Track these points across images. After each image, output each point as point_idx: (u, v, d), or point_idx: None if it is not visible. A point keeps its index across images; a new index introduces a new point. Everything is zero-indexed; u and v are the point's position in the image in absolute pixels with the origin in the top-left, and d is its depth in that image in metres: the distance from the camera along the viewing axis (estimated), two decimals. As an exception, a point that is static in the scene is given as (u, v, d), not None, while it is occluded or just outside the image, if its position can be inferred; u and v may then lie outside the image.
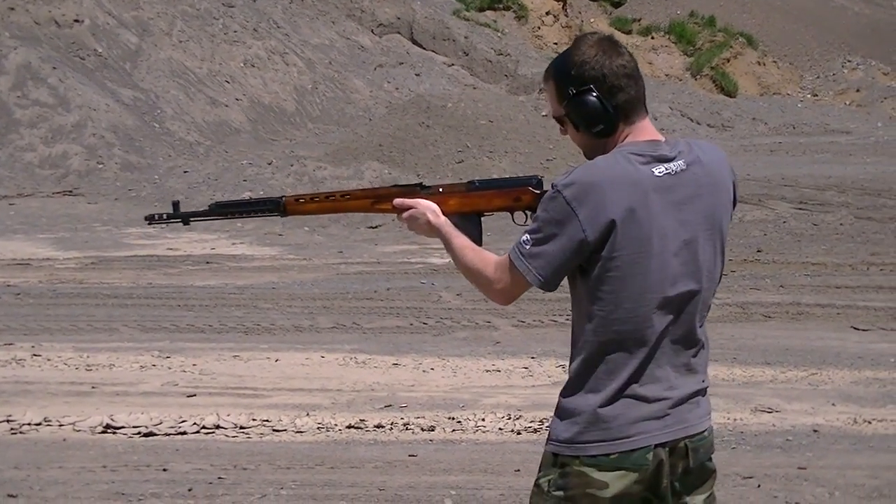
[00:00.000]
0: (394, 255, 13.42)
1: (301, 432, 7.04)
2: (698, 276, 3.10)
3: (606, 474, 3.05)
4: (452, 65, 29.16)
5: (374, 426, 7.12)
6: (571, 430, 3.08)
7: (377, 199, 3.56)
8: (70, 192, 18.34)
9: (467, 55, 29.73)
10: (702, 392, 3.17)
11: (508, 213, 3.50)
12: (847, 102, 31.56)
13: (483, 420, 7.22)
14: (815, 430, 7.07)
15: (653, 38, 33.30)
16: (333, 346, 9.08)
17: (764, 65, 33.08)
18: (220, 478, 6.22)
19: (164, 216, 3.69)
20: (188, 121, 21.89)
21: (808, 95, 32.65)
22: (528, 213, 3.44)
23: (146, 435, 6.97)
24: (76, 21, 22.62)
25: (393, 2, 30.40)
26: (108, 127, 20.18)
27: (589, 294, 3.07)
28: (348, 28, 29.00)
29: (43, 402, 7.53)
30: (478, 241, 3.36)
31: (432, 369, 8.45)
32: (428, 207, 3.41)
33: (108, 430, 7.03)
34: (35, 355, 8.71)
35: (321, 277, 12.05)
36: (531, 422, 7.17)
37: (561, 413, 3.12)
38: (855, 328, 9.71)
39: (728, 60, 32.54)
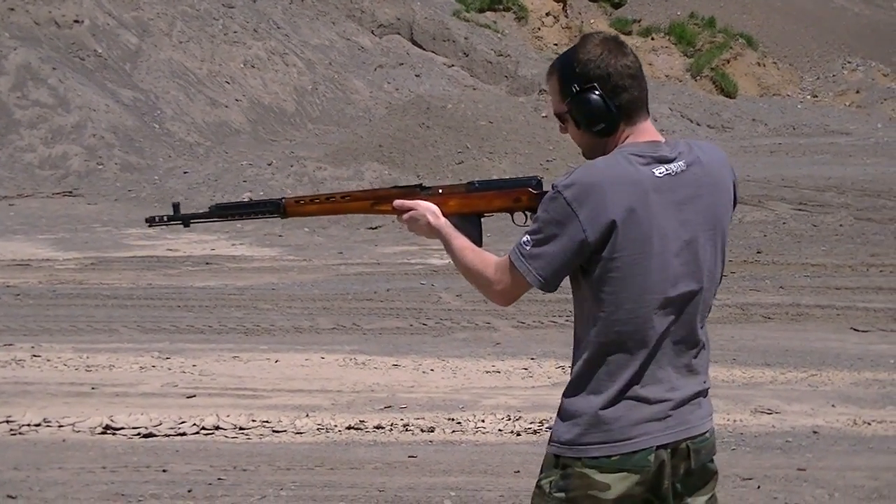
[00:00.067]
0: (394, 256, 13.42)
1: (301, 433, 7.04)
2: (699, 277, 3.10)
3: (608, 476, 3.05)
4: (452, 66, 29.16)
5: (374, 427, 7.12)
6: (573, 432, 3.08)
7: (377, 201, 3.56)
8: (70, 192, 18.34)
9: (467, 56, 29.74)
10: (703, 393, 3.17)
11: (508, 214, 3.51)
12: (847, 103, 31.56)
13: (483, 421, 7.22)
14: (815, 432, 7.07)
15: (653, 39, 33.30)
16: (333, 347, 9.08)
17: (764, 66, 33.09)
18: (219, 479, 6.22)
19: (165, 218, 3.68)
20: (188, 121, 21.89)
21: (808, 96, 32.65)
22: (528, 213, 3.44)
23: (146, 436, 6.97)
24: (76, 21, 22.62)
25: (393, 2, 30.41)
26: (107, 127, 20.18)
27: (590, 295, 3.08)
28: (348, 29, 29.00)
29: (42, 403, 7.53)
30: (478, 241, 3.36)
31: (432, 370, 8.45)
32: (428, 209, 3.41)
33: (108, 431, 7.03)
34: (35, 356, 8.71)
35: (321, 278, 12.05)
36: (531, 423, 7.16)
37: (563, 414, 3.12)
38: (855, 329, 9.71)
39: (728, 61, 32.54)
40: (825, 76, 33.87)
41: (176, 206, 3.71)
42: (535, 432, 7.01)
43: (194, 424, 7.10)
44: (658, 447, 3.07)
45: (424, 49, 29.62)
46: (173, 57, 23.39)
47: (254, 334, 9.60)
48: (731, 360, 8.61)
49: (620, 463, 3.05)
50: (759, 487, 6.11)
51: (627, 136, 3.12)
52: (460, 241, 3.28)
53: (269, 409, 7.45)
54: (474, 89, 26.63)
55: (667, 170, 3.07)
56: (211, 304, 10.66)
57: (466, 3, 32.64)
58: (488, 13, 32.55)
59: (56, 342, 9.17)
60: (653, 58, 32.15)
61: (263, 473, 6.32)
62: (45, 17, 22.40)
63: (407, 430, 7.10)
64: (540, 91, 25.52)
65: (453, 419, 7.26)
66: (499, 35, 31.27)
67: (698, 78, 32.05)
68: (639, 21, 35.04)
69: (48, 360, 8.59)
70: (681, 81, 31.70)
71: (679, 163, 3.09)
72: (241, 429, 7.08)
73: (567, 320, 9.62)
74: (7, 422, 7.16)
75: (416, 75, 27.71)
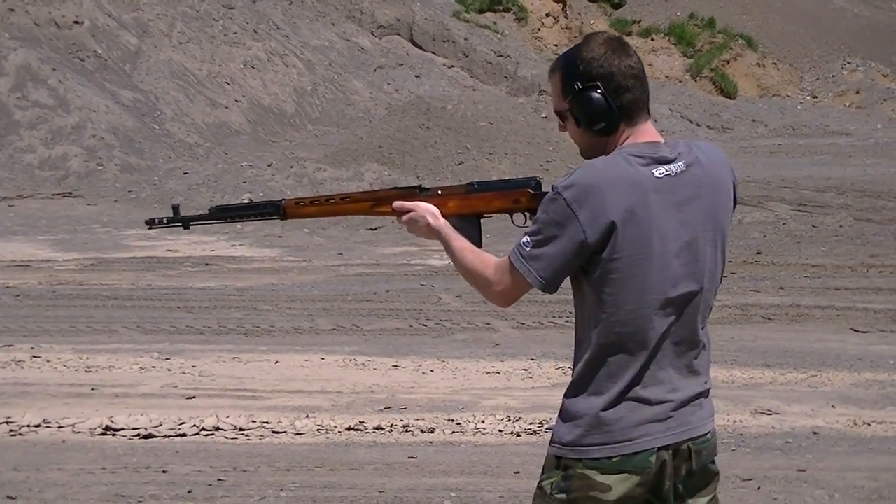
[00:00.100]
0: (393, 257, 13.42)
1: (300, 434, 7.04)
2: (699, 277, 3.10)
3: (609, 477, 3.04)
4: (452, 66, 29.16)
5: (374, 428, 7.12)
6: (574, 433, 3.08)
7: (377, 202, 3.56)
8: (70, 193, 18.34)
9: (467, 57, 29.73)
10: (704, 394, 3.17)
11: (508, 215, 3.50)
12: (847, 104, 31.57)
13: (483, 422, 7.22)
14: (815, 432, 7.07)
15: (653, 39, 33.29)
16: (333, 348, 9.08)
17: (763, 66, 33.09)
18: (219, 480, 6.22)
19: (165, 220, 3.68)
20: (188, 122, 21.89)
21: (808, 97, 32.65)
22: (528, 214, 3.44)
23: (146, 437, 6.96)
24: (76, 22, 22.61)
25: (393, 3, 30.40)
26: (107, 128, 20.18)
27: (590, 296, 3.08)
28: (348, 30, 29.00)
29: (42, 404, 7.52)
30: (477, 242, 3.36)
31: (432, 371, 8.44)
32: (427, 210, 3.40)
33: (108, 432, 7.03)
34: (34, 357, 8.70)
35: (321, 279, 12.05)
36: (531, 424, 7.16)
37: (564, 415, 3.11)
38: (854, 330, 9.71)
39: (728, 62, 32.55)
40: (825, 77, 33.87)
41: (176, 208, 3.71)
42: (534, 433, 7.01)
43: (194, 425, 7.10)
44: (659, 448, 3.07)
45: (424, 50, 29.61)
46: (173, 58, 23.39)
47: (253, 335, 9.59)
48: (730, 360, 8.61)
49: (621, 464, 3.05)
50: (759, 488, 6.11)
51: (627, 137, 3.12)
52: (460, 243, 3.28)
53: (268, 409, 7.45)
54: (474, 90, 26.62)
55: (667, 170, 3.07)
56: (211, 304, 10.66)
57: (466, 3, 32.64)
58: (488, 14, 32.55)
59: (56, 343, 9.16)
60: (653, 58, 32.14)
61: (263, 474, 6.31)
62: (44, 17, 22.39)
63: (407, 430, 7.10)
64: (540, 92, 25.52)
65: (453, 420, 7.26)
66: (499, 36, 31.27)
67: (698, 78, 32.06)
68: (639, 22, 35.04)
69: (48, 361, 8.59)
70: (680, 82, 31.70)
71: (679, 163, 3.09)
72: (240, 430, 7.08)
73: (567, 321, 9.62)
74: (7, 423, 7.16)
75: (416, 76, 27.71)
